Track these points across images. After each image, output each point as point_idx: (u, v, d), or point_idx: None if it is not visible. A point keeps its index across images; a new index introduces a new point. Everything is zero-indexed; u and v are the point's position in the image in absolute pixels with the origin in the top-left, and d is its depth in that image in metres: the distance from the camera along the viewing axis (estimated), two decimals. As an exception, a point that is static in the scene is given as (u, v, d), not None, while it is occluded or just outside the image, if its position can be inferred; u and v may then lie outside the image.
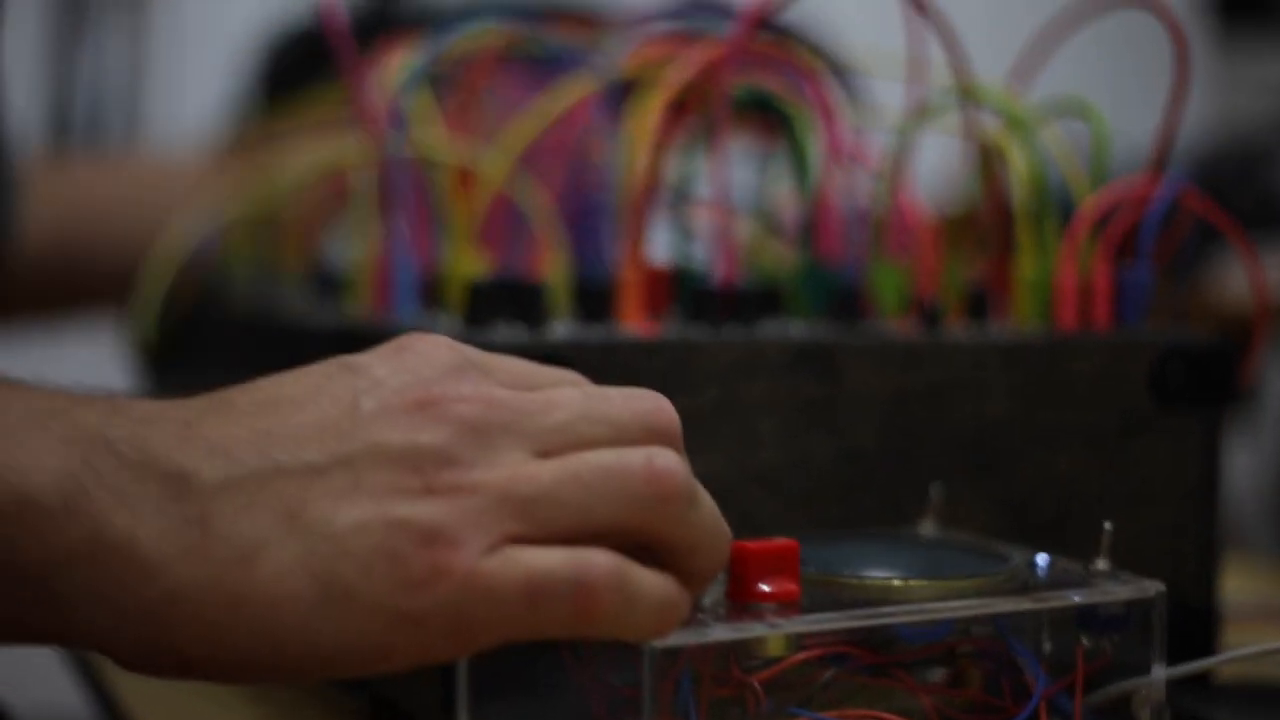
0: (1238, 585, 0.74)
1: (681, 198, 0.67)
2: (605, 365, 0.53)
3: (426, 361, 0.43)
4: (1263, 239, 1.62)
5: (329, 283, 0.82)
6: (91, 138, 1.85)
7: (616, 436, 0.43)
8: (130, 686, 0.68)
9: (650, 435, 0.43)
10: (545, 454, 0.42)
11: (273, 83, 1.74)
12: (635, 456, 0.42)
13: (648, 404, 0.44)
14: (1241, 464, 2.37)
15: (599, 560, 0.41)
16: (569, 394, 0.44)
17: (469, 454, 0.41)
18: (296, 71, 1.70)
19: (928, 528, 0.55)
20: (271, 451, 0.41)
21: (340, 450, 0.41)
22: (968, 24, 0.68)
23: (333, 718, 0.62)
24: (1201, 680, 0.57)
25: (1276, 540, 2.34)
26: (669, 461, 0.42)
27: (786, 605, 0.45)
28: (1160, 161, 0.62)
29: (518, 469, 0.41)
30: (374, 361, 0.43)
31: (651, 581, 0.41)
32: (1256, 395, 2.27)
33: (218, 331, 0.82)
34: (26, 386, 0.42)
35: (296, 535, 0.40)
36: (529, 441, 0.42)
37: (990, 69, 0.70)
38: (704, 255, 0.70)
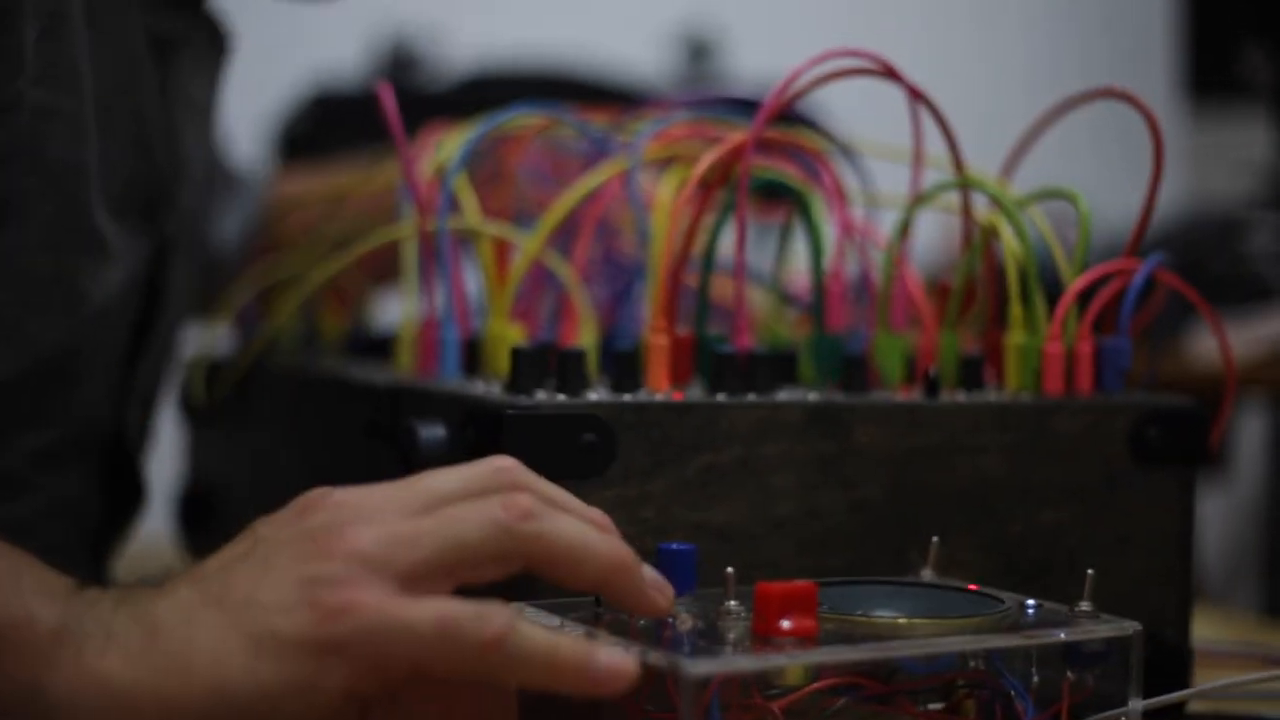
0: (1212, 628, 0.79)
1: (705, 271, 0.72)
2: (639, 425, 0.59)
3: (303, 499, 0.52)
4: (1237, 306, 1.68)
5: (367, 346, 0.88)
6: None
7: (471, 489, 0.52)
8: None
9: (503, 482, 0.52)
10: (414, 518, 0.51)
11: (292, 145, 1.80)
12: (490, 498, 0.51)
13: (494, 462, 0.53)
14: (1215, 517, 2.43)
15: (497, 606, 0.49)
16: (424, 475, 0.53)
17: (350, 526, 0.50)
18: (315, 136, 1.76)
19: (929, 573, 0.61)
20: (198, 580, 0.51)
21: (247, 555, 0.51)
22: (966, 115, 0.74)
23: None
24: (1175, 712, 0.62)
25: (1250, 587, 2.39)
26: (519, 494, 0.51)
27: (805, 640, 0.51)
28: (1137, 242, 0.68)
29: (395, 527, 0.50)
30: (263, 519, 0.53)
31: (540, 629, 0.49)
32: (1228, 454, 2.33)
33: (265, 391, 0.87)
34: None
35: (225, 611, 0.49)
36: (397, 509, 0.51)
37: (984, 155, 0.77)
38: (724, 325, 0.76)
